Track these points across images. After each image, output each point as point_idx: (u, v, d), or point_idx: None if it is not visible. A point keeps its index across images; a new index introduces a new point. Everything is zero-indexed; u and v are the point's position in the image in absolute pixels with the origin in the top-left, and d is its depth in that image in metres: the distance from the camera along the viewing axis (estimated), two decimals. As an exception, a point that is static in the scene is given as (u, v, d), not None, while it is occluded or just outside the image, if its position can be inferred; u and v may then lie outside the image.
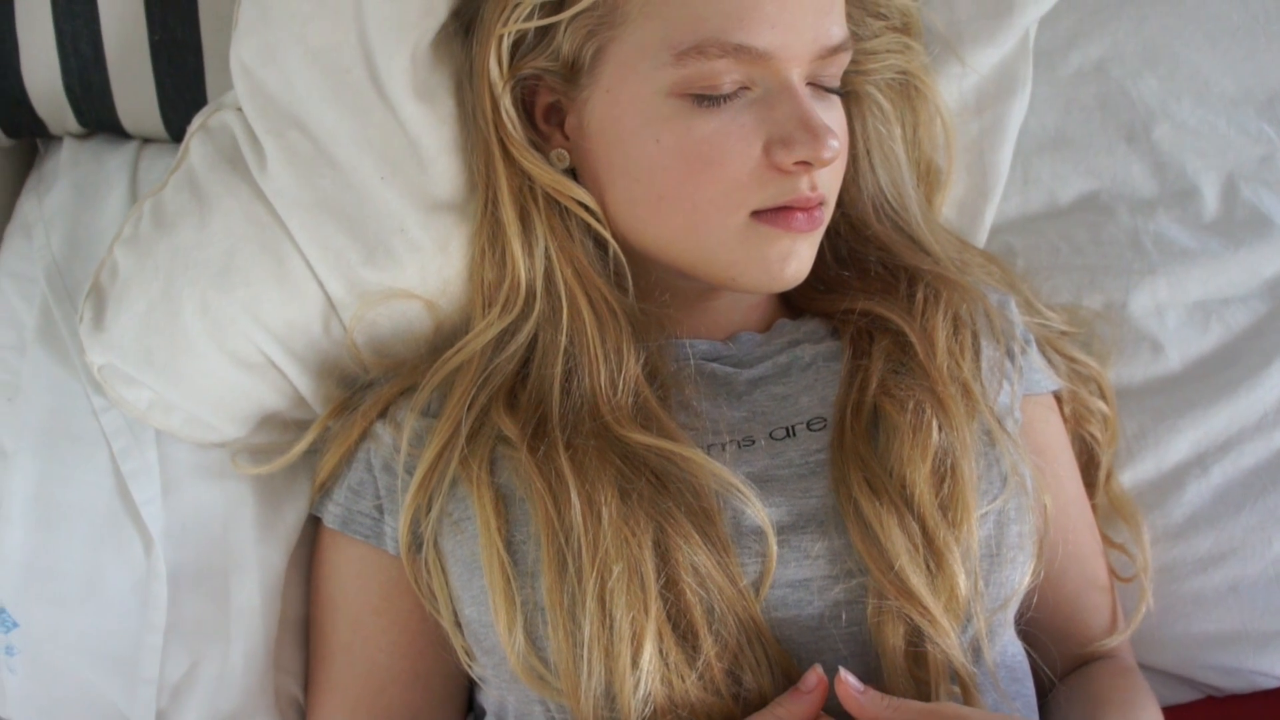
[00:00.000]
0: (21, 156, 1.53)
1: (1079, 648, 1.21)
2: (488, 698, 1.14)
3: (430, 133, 1.18)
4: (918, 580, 1.00)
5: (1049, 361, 1.26)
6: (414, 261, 1.20)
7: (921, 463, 1.04)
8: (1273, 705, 1.28)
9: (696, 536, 1.01)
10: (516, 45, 1.14)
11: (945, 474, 1.05)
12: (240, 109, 1.23)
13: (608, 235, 1.15)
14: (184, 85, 1.39)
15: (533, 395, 1.12)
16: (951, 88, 1.35)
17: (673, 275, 1.17)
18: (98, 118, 1.43)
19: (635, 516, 1.01)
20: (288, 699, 1.23)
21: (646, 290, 1.17)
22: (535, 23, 1.12)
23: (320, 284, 1.20)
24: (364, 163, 1.17)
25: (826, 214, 1.14)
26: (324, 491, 1.21)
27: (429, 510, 1.11)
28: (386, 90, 1.17)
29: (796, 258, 1.12)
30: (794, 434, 1.11)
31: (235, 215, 1.20)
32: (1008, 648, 1.11)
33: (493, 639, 1.06)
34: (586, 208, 1.14)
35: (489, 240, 1.18)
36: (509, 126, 1.14)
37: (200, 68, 1.39)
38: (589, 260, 1.15)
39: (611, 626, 0.98)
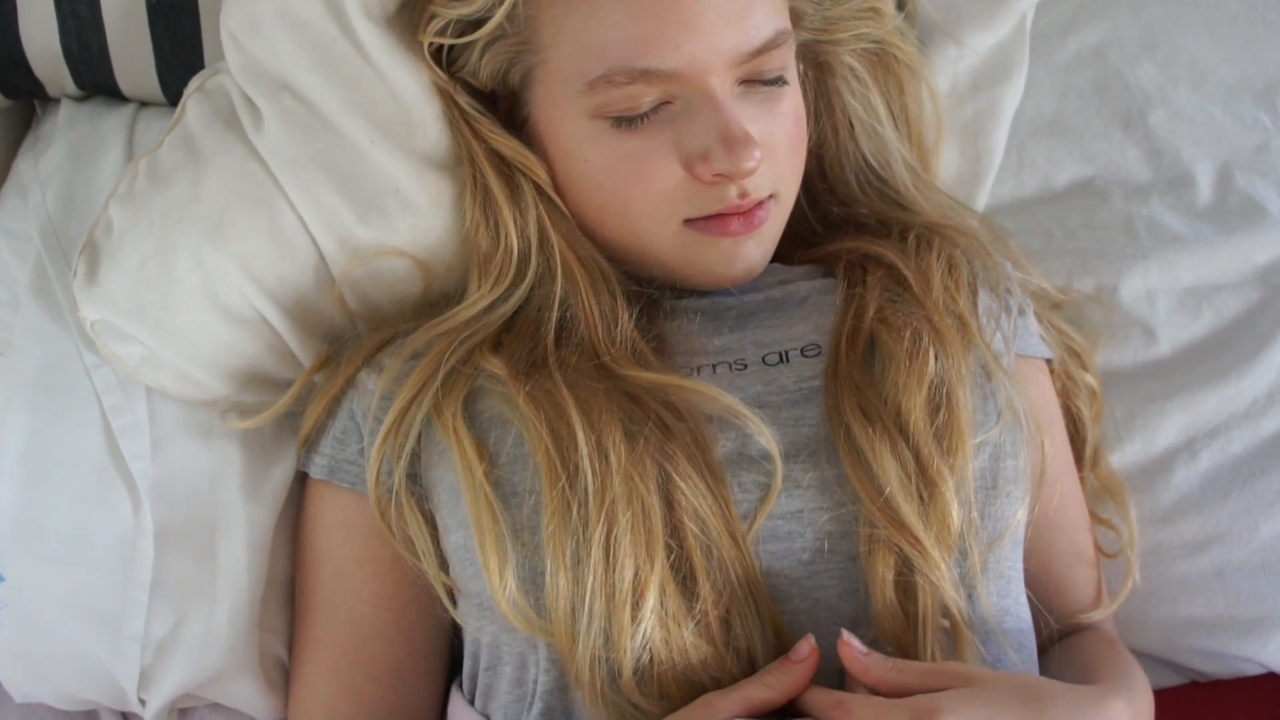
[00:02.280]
0: (18, 117, 1.56)
1: (1063, 620, 1.22)
2: (478, 642, 1.14)
3: (418, 99, 1.21)
4: (908, 509, 1.01)
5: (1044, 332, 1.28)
6: (406, 221, 1.22)
7: (917, 390, 1.05)
8: (1256, 692, 1.30)
9: (696, 477, 1.02)
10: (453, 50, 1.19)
11: (941, 402, 1.06)
12: None
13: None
14: (181, 49, 1.41)
15: (522, 338, 1.14)
16: (946, 70, 1.38)
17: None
18: (95, 80, 1.45)
19: (642, 462, 1.01)
20: (272, 659, 1.25)
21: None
22: (449, 40, 1.17)
23: (313, 241, 1.22)
24: (355, 127, 1.20)
25: (776, 208, 1.16)
26: (309, 445, 1.23)
27: (401, 455, 1.12)
28: (372, 59, 1.19)
29: (743, 258, 1.15)
30: (787, 360, 1.13)
31: (230, 172, 1.22)
32: (1011, 608, 1.11)
33: (481, 579, 1.06)
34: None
35: (481, 211, 1.20)
36: (473, 113, 1.18)
37: (198, 32, 1.41)
38: (571, 226, 1.18)
39: (616, 576, 0.98)
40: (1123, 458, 1.32)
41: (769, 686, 0.97)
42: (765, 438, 1.04)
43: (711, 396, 1.07)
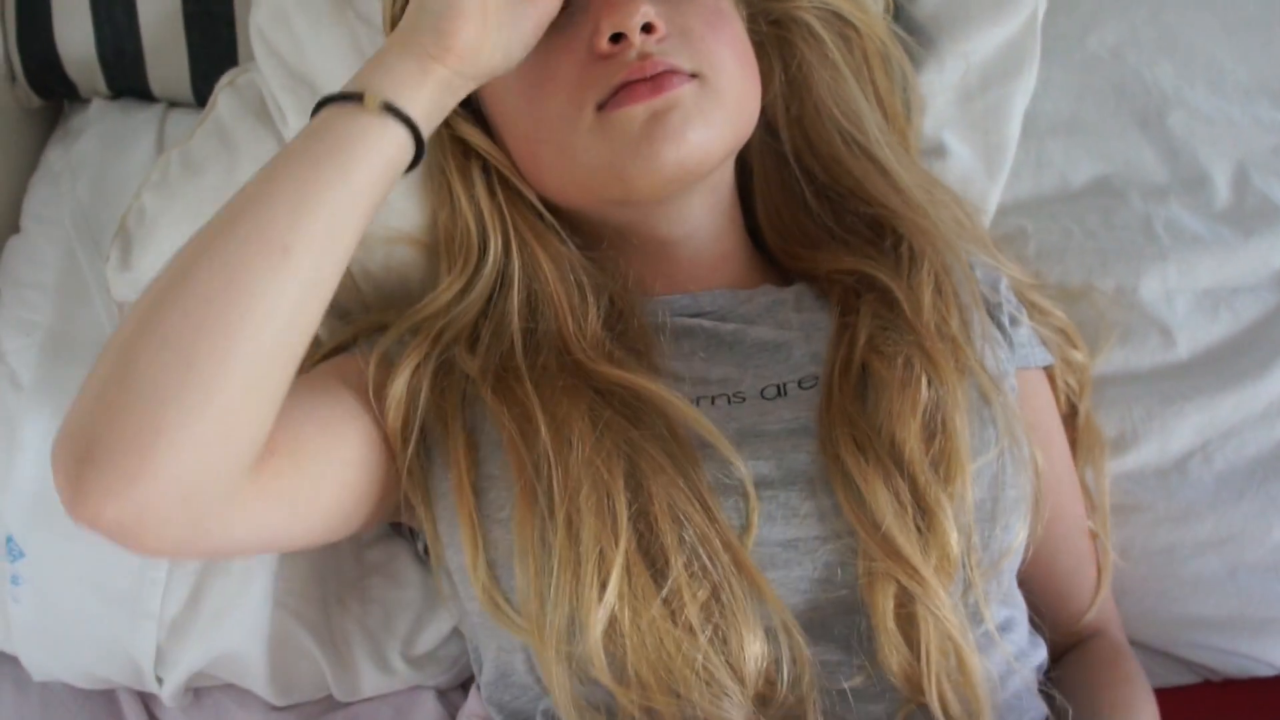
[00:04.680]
0: (48, 113, 1.64)
1: (1068, 625, 1.25)
2: (484, 657, 1.17)
3: None
4: (905, 541, 1.00)
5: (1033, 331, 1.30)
6: (412, 206, 1.27)
7: (911, 418, 1.05)
8: (1268, 692, 1.32)
9: (670, 471, 1.02)
10: None
11: (936, 429, 1.05)
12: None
13: (523, 186, 1.21)
14: (216, 55, 1.49)
15: (494, 333, 1.16)
16: (958, 65, 1.41)
17: (604, 229, 1.22)
18: (129, 84, 1.53)
19: (604, 447, 1.03)
20: (286, 638, 1.29)
21: (592, 244, 1.23)
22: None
23: None
24: None
25: (704, 88, 1.13)
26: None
27: (406, 437, 1.12)
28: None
29: (669, 136, 1.11)
30: (785, 392, 1.13)
31: (262, 161, 1.25)
32: (1014, 616, 1.13)
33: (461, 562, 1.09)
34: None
35: (440, 194, 1.24)
36: None
37: (233, 38, 1.49)
38: (531, 214, 1.21)
39: (579, 555, 0.99)
40: (1139, 457, 1.33)
41: None
42: (737, 463, 1.04)
43: (669, 400, 1.08)
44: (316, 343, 1.24)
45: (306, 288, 0.95)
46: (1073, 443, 1.32)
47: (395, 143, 1.02)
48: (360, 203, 0.99)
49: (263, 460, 0.98)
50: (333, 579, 1.34)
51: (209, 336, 0.90)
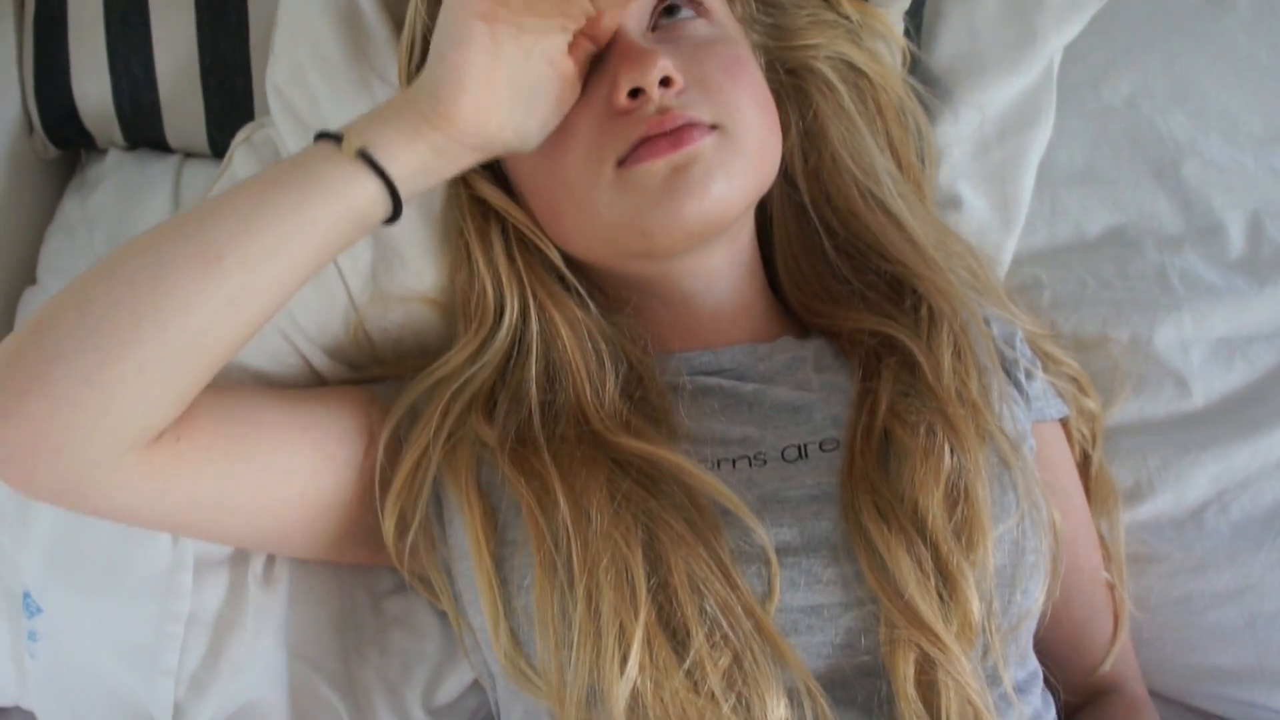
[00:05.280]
0: (65, 163, 1.65)
1: (1084, 677, 1.25)
2: (510, 715, 1.17)
3: None
4: (928, 608, 1.01)
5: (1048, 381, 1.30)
6: (429, 267, 1.28)
7: (935, 487, 1.05)
8: (1289, 745, 1.32)
9: (691, 541, 1.03)
10: None
11: (959, 498, 1.05)
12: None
13: (543, 244, 1.21)
14: (232, 107, 1.50)
15: (511, 401, 1.16)
16: (973, 117, 1.42)
17: (626, 285, 1.23)
18: (145, 135, 1.54)
19: (623, 518, 1.03)
20: (305, 689, 1.29)
21: (615, 305, 1.23)
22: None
23: (346, 286, 1.28)
24: None
25: (724, 140, 1.13)
26: None
27: (416, 506, 1.15)
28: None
29: (689, 190, 1.10)
30: (806, 455, 1.12)
31: None
32: (1030, 678, 1.13)
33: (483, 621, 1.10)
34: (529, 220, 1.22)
35: (457, 254, 1.25)
36: None
37: (249, 90, 1.50)
38: (550, 277, 1.22)
39: (599, 629, 1.00)
40: (1155, 507, 1.34)
41: None
42: (758, 530, 1.05)
43: (690, 471, 1.08)
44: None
45: (230, 300, 0.99)
46: (1087, 492, 1.33)
47: (365, 193, 1.04)
48: (310, 238, 1.02)
49: (163, 442, 1.03)
50: (351, 630, 1.35)
51: (118, 314, 0.96)
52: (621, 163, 1.11)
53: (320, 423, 1.16)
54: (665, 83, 1.10)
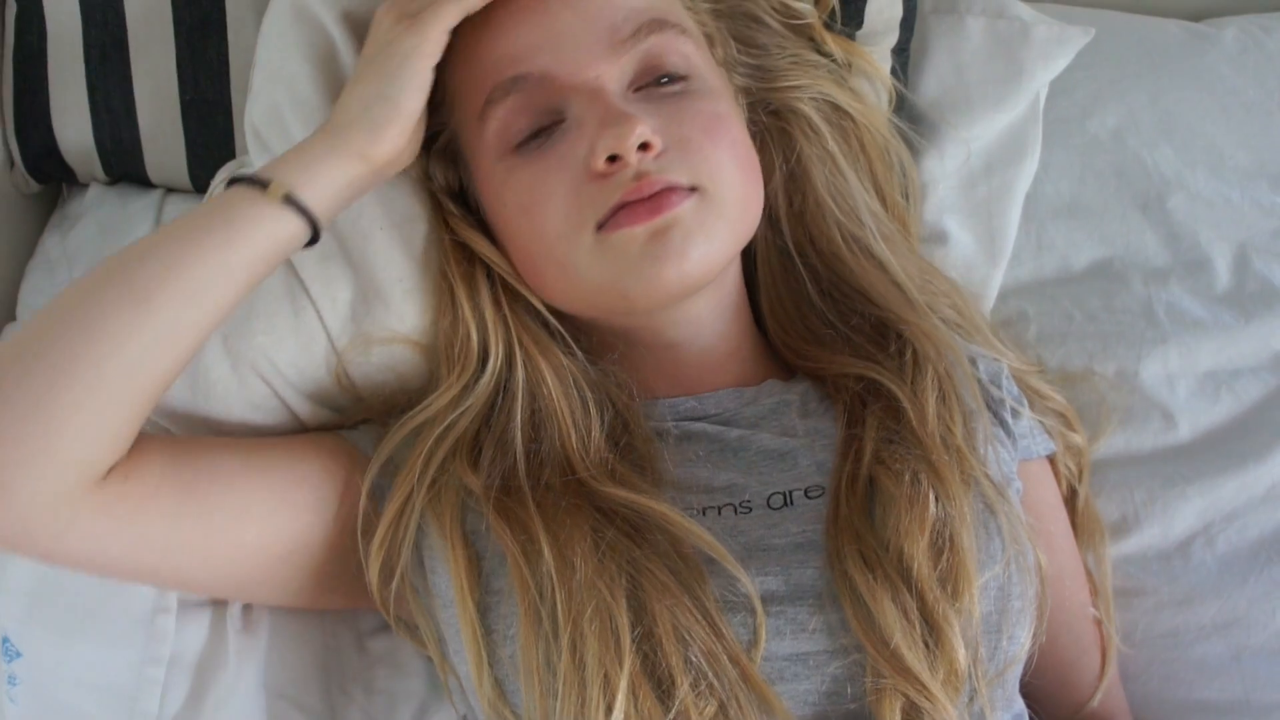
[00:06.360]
0: (46, 196, 1.65)
1: (1073, 711, 1.26)
2: None
3: (410, 195, 1.27)
4: (913, 657, 1.01)
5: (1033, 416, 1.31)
6: (412, 309, 1.27)
7: (920, 535, 1.05)
8: (1277, 779, 1.33)
9: (676, 590, 1.03)
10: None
11: (944, 546, 1.06)
12: None
13: (525, 291, 1.22)
14: (213, 143, 1.50)
15: (497, 448, 1.16)
16: (959, 152, 1.43)
17: (611, 333, 1.23)
18: (126, 170, 1.54)
19: (607, 568, 1.04)
20: None
21: (600, 351, 1.23)
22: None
23: (325, 328, 1.27)
24: (363, 216, 1.25)
25: (704, 202, 1.13)
26: None
27: (400, 554, 1.15)
28: None
29: (669, 255, 1.11)
30: (791, 502, 1.13)
31: None
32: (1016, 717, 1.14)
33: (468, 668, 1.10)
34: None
35: (441, 299, 1.25)
36: (447, 204, 1.26)
37: (229, 126, 1.50)
38: (535, 323, 1.23)
39: (584, 679, 1.00)
40: (1141, 540, 1.35)
41: None
42: (743, 579, 1.05)
43: (676, 520, 1.08)
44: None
45: (160, 337, 1.04)
46: (1074, 527, 1.33)
47: (289, 230, 1.10)
48: (235, 275, 1.08)
49: (111, 480, 1.06)
50: (335, 669, 1.35)
51: (55, 353, 1.01)
52: (601, 226, 1.12)
53: (278, 466, 1.17)
54: (643, 147, 1.11)
